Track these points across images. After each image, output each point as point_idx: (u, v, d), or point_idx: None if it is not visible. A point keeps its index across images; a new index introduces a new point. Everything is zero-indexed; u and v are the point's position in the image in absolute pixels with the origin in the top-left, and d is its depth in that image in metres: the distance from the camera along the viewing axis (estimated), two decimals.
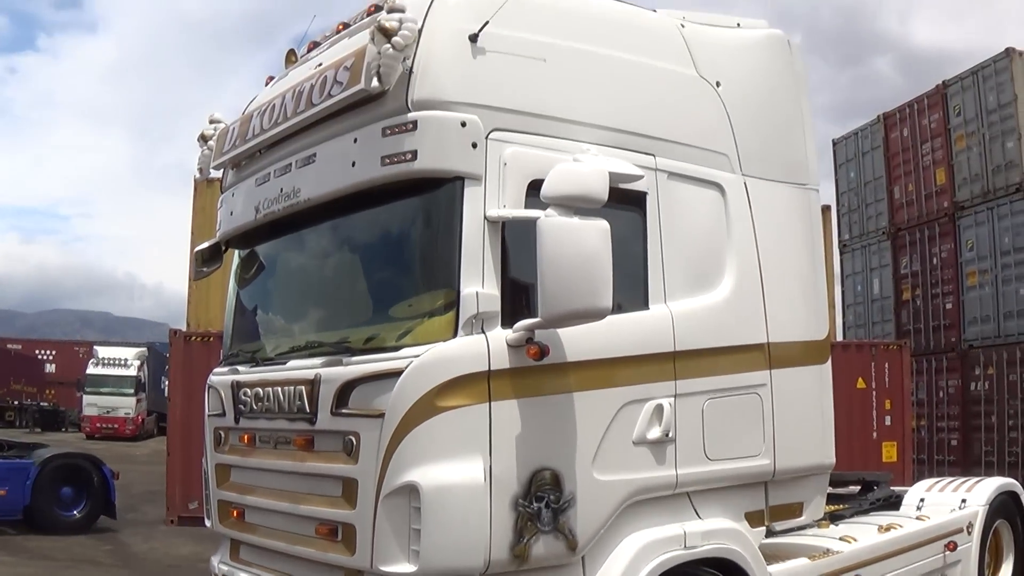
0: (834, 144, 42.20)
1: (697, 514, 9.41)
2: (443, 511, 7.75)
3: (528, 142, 8.49)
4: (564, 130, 8.78)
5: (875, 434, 26.77)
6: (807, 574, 10.19)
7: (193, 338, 24.16)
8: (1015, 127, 32.78)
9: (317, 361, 8.79)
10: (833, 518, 12.61)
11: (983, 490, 13.81)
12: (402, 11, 8.21)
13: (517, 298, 8.24)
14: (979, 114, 34.23)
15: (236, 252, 10.96)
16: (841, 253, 40.89)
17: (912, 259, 37.12)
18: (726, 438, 9.57)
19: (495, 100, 8.44)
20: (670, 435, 9.00)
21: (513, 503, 7.98)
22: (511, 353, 8.06)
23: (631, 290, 9.01)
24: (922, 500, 13.78)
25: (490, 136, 8.29)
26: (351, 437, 8.21)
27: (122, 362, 64.85)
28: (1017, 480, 15.04)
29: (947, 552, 12.45)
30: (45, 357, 79.36)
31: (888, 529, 12.03)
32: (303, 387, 8.75)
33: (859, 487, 14.64)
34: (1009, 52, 33.23)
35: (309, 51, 10.30)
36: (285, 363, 9.31)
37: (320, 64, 9.25)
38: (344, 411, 8.36)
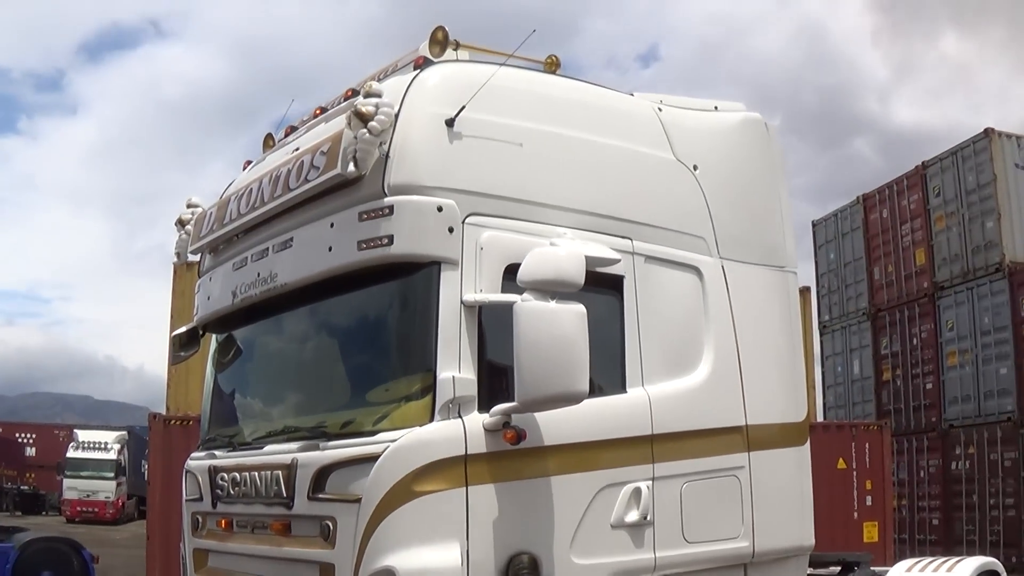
0: (814, 225, 42.47)
1: None
2: None
3: (505, 226, 8.52)
4: (541, 214, 8.82)
5: (856, 514, 26.59)
6: None
7: (172, 422, 23.99)
8: (994, 207, 33.12)
9: (294, 446, 8.75)
10: None
11: (964, 570, 13.77)
12: (378, 96, 8.27)
13: (494, 382, 8.23)
14: (958, 194, 34.58)
15: (214, 336, 10.96)
16: (821, 334, 41.07)
17: (892, 339, 37.31)
18: (705, 520, 9.49)
19: (472, 184, 8.49)
20: (648, 518, 8.94)
21: None
22: (488, 437, 8.04)
23: (609, 373, 9.01)
24: None
25: (467, 220, 8.33)
26: (328, 522, 8.18)
27: (102, 446, 64.48)
28: (999, 559, 15.00)
29: None
30: (25, 440, 78.80)
31: None
32: (280, 472, 8.71)
33: (840, 568, 14.58)
34: (988, 132, 33.62)
35: (287, 135, 10.38)
36: (262, 447, 9.29)
37: (297, 148, 9.32)
38: (321, 496, 8.31)
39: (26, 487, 70.20)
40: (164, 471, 23.09)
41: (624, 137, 9.79)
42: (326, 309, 9.27)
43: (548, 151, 9.12)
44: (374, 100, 8.23)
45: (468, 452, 7.97)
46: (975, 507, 33.03)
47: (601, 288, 8.92)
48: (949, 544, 31.81)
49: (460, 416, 8.04)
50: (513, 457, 8.14)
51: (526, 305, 7.72)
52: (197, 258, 11.12)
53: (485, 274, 8.29)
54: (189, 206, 10.92)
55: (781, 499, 10.34)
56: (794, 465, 10.66)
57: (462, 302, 8.16)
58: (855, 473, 26.82)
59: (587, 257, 8.18)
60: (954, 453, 34.21)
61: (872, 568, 14.51)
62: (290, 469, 8.59)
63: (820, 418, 35.51)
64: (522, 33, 9.20)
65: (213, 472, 9.75)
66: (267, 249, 9.43)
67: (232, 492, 9.42)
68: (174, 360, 11.53)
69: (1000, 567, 14.56)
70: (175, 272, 25.20)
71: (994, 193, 33.26)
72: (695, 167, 10.18)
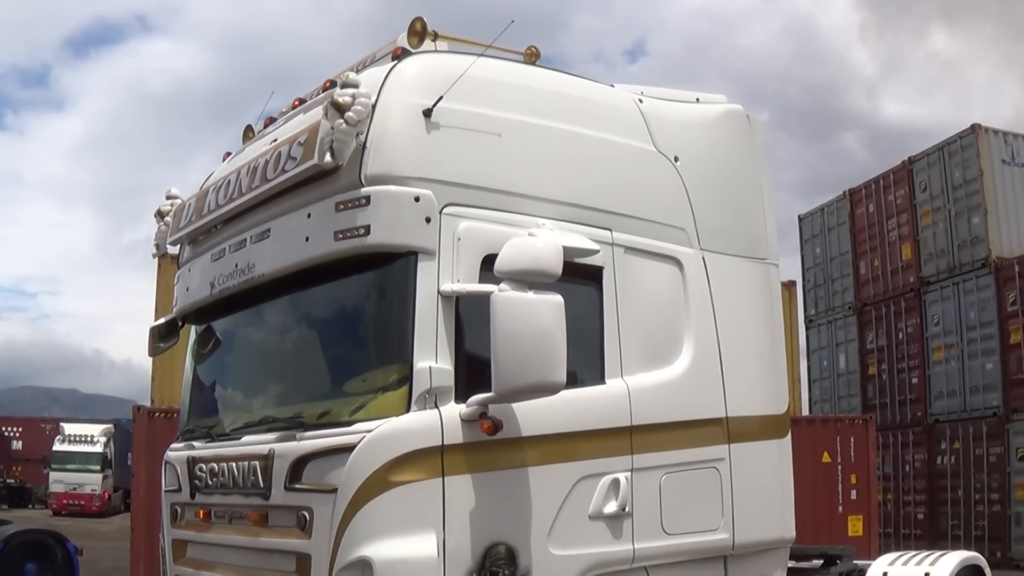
0: (800, 220, 42.55)
1: None
2: None
3: (482, 217, 8.49)
4: (519, 205, 8.79)
5: (841, 508, 26.50)
6: None
7: (157, 414, 23.80)
8: (981, 203, 33.18)
9: (271, 436, 8.71)
10: None
11: (947, 564, 13.72)
12: (355, 86, 8.23)
13: (471, 373, 8.17)
14: (945, 190, 34.64)
15: (193, 328, 10.92)
16: (807, 328, 41.17)
17: (878, 334, 37.38)
18: (684, 512, 9.48)
19: (449, 175, 8.45)
20: (627, 509, 8.92)
21: None
22: (464, 428, 8.02)
23: (587, 364, 9.00)
24: (885, 574, 13.72)
25: (444, 211, 8.29)
26: (304, 512, 8.15)
27: (88, 439, 64.27)
28: (984, 554, 14.97)
29: None
30: (12, 434, 78.50)
31: None
32: (257, 462, 8.68)
33: (822, 561, 14.55)
34: (975, 128, 33.67)
35: (266, 127, 10.35)
36: (240, 438, 9.24)
37: (276, 140, 9.28)
38: (298, 486, 8.29)
39: (12, 480, 69.86)
40: (148, 464, 22.91)
41: (604, 128, 9.75)
42: (303, 300, 9.25)
43: (527, 142, 9.08)
44: (351, 90, 8.19)
45: (445, 442, 7.95)
46: (960, 502, 33.13)
47: (580, 279, 8.91)
48: (934, 538, 31.83)
49: (437, 406, 8.02)
50: (490, 448, 8.12)
51: (503, 295, 7.71)
52: (176, 250, 11.04)
53: (463, 264, 8.26)
54: (168, 197, 10.88)
55: (761, 491, 10.33)
56: (775, 457, 10.64)
57: (439, 292, 8.13)
58: (840, 467, 26.73)
59: (565, 247, 8.17)
60: (939, 448, 34.29)
61: (855, 561, 14.49)
62: (267, 460, 8.56)
63: (805, 412, 35.52)
64: (510, 28, 9.19)
65: (192, 463, 9.73)
66: (245, 240, 9.39)
67: (210, 483, 9.39)
68: (152, 352, 11.39)
69: (983, 562, 14.52)
70: (159, 265, 25.04)
71: (980, 189, 33.34)
72: (676, 158, 10.16)
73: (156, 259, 11.07)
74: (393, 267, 8.23)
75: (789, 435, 10.94)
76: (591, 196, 9.36)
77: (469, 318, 8.21)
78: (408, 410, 7.97)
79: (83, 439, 64.31)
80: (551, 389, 7.77)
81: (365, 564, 7.71)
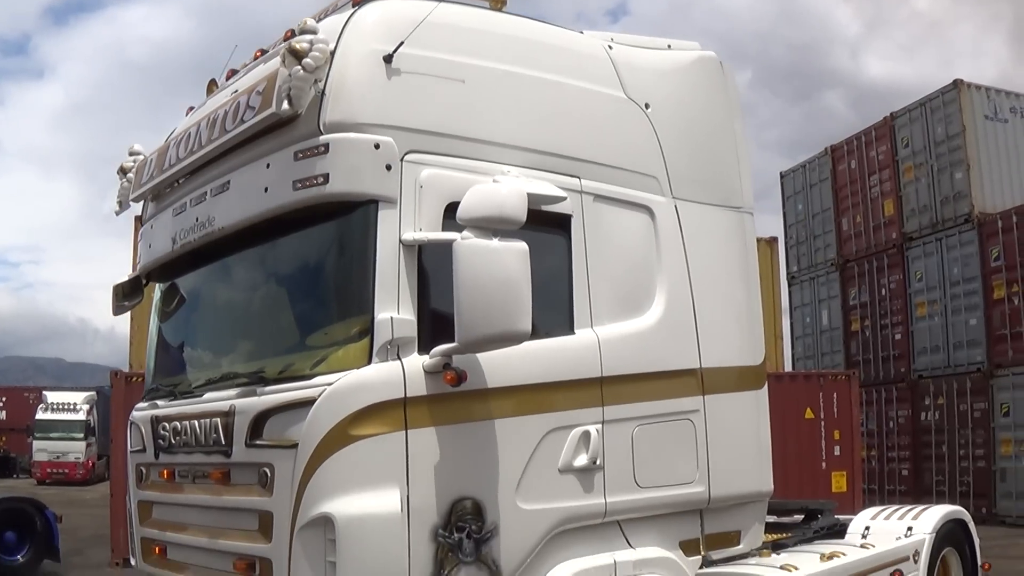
0: (782, 177, 42.49)
1: (629, 543, 9.17)
2: (359, 543, 7.50)
3: (446, 164, 8.28)
4: (483, 152, 8.58)
5: (824, 464, 26.52)
6: None
7: (134, 379, 23.64)
8: (963, 158, 33.14)
9: (232, 392, 8.55)
10: (775, 547, 12.35)
11: (930, 518, 13.54)
12: (313, 32, 7.98)
13: (435, 323, 7.97)
14: (927, 145, 34.58)
15: (157, 286, 10.73)
16: (789, 285, 41.23)
17: (861, 290, 37.38)
18: (658, 465, 9.33)
19: (411, 122, 8.23)
20: (598, 462, 8.77)
21: (433, 534, 7.75)
22: (428, 380, 7.83)
23: (556, 315, 8.83)
24: (867, 528, 13.53)
25: (405, 158, 8.07)
26: (266, 469, 7.97)
27: (71, 407, 64.09)
28: (969, 510, 14.84)
29: None
30: None
31: (831, 557, 11.74)
32: (218, 419, 8.51)
33: (802, 516, 14.42)
34: (957, 84, 33.62)
35: (228, 79, 10.09)
36: (202, 396, 9.08)
37: (236, 91, 9.04)
38: (258, 442, 8.11)
39: None
40: (127, 429, 22.83)
41: (572, 75, 9.52)
42: (264, 253, 9.05)
43: (492, 88, 8.86)
44: (308, 37, 7.95)
45: (407, 395, 7.75)
46: (944, 458, 33.17)
47: (548, 227, 8.75)
48: (918, 494, 31.88)
49: (399, 358, 7.81)
50: (455, 400, 7.94)
51: (466, 243, 7.49)
52: (140, 207, 10.83)
53: (425, 213, 8.06)
54: (131, 154, 10.65)
55: (738, 444, 10.22)
56: (751, 409, 10.53)
57: (401, 241, 7.92)
58: (823, 423, 26.76)
59: (530, 194, 7.95)
60: (923, 404, 34.30)
61: (836, 516, 14.33)
62: (228, 416, 8.40)
63: (788, 368, 35.51)
64: None
65: (155, 422, 9.57)
66: (205, 193, 9.20)
67: (173, 442, 9.23)
68: (117, 311, 11.17)
69: (967, 516, 14.35)
70: (135, 227, 24.83)
71: (963, 144, 33.25)
72: (647, 105, 9.95)
73: (118, 216, 10.81)
74: (353, 216, 8.02)
75: (766, 387, 10.79)
76: (558, 143, 9.15)
77: (432, 268, 8.01)
78: (369, 362, 7.76)
79: (66, 407, 64.14)
80: (516, 338, 7.58)
81: (327, 521, 7.52)
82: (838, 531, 13.63)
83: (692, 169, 10.22)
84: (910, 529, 13.27)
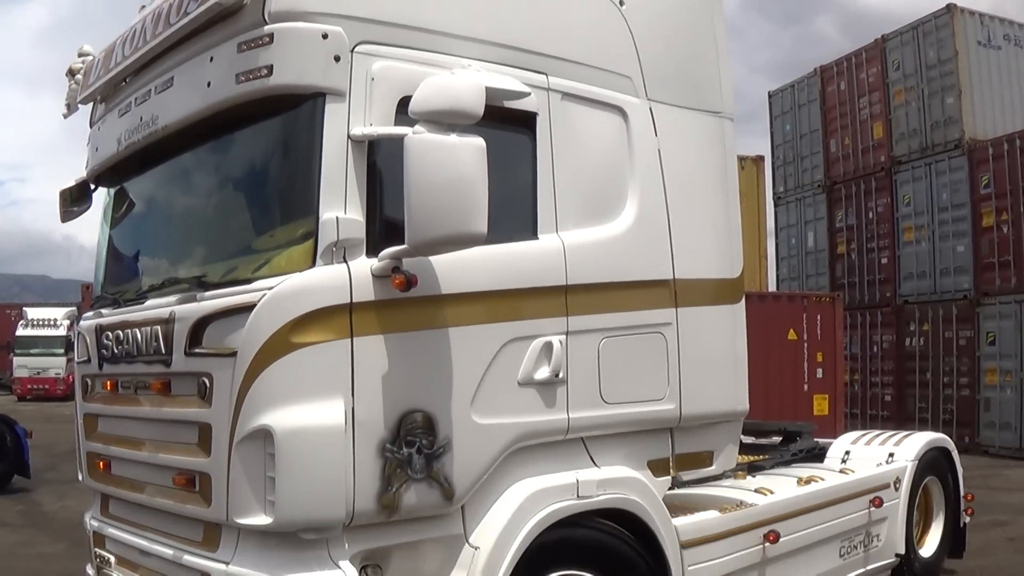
0: (770, 96, 42.05)
1: (593, 462, 8.79)
2: (299, 457, 7.08)
3: (400, 56, 7.73)
4: (442, 44, 8.03)
5: (806, 387, 26.24)
6: (716, 528, 9.59)
7: None
8: (955, 84, 32.79)
9: (174, 299, 8.14)
10: (752, 469, 12.10)
11: (912, 445, 13.24)
12: None
13: (386, 225, 7.51)
14: (918, 69, 34.17)
15: (106, 191, 10.26)
16: (776, 205, 40.90)
17: (848, 213, 37.00)
18: (626, 380, 8.93)
19: (362, 10, 7.68)
20: (560, 375, 8.35)
21: (379, 448, 7.30)
22: (377, 284, 7.36)
23: (518, 219, 8.38)
24: (847, 453, 13.28)
25: (356, 49, 7.54)
26: (204, 379, 7.56)
27: (51, 322, 64.43)
28: (952, 438, 14.55)
29: (872, 508, 11.88)
30: None
31: (808, 482, 11.46)
32: (159, 327, 8.12)
33: (781, 438, 14.08)
34: (950, 8, 33.18)
35: None
36: (144, 303, 8.67)
37: None
38: (197, 351, 7.70)
39: None
40: None
41: None
42: (208, 152, 8.60)
43: None
44: None
45: (353, 300, 7.27)
46: (928, 385, 32.90)
47: (512, 126, 8.31)
48: (901, 421, 31.59)
49: (345, 261, 7.34)
50: (406, 306, 7.48)
51: (417, 137, 6.97)
52: (89, 109, 10.32)
53: (376, 107, 7.53)
54: (80, 55, 10.17)
55: (712, 360, 9.85)
56: (727, 324, 10.12)
57: (349, 137, 7.42)
58: (806, 345, 26.47)
59: (490, 88, 7.42)
60: (908, 329, 33.97)
61: (816, 439, 14.01)
62: (168, 323, 7.99)
63: (773, 289, 35.33)
64: None
65: (99, 331, 9.19)
66: (150, 91, 8.71)
67: (116, 352, 8.84)
68: (64, 217, 10.69)
69: (950, 444, 14.10)
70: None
71: (955, 69, 32.76)
72: (621, 2, 9.42)
73: (66, 119, 10.37)
74: (299, 111, 7.51)
75: (743, 301, 10.37)
76: (524, 37, 8.61)
77: (384, 166, 7.53)
78: (313, 265, 7.29)
79: (46, 323, 64.57)
80: (470, 240, 7.06)
81: (266, 434, 7.09)
82: (817, 455, 13.42)
83: (669, 70, 9.74)
84: (891, 455, 13.05)
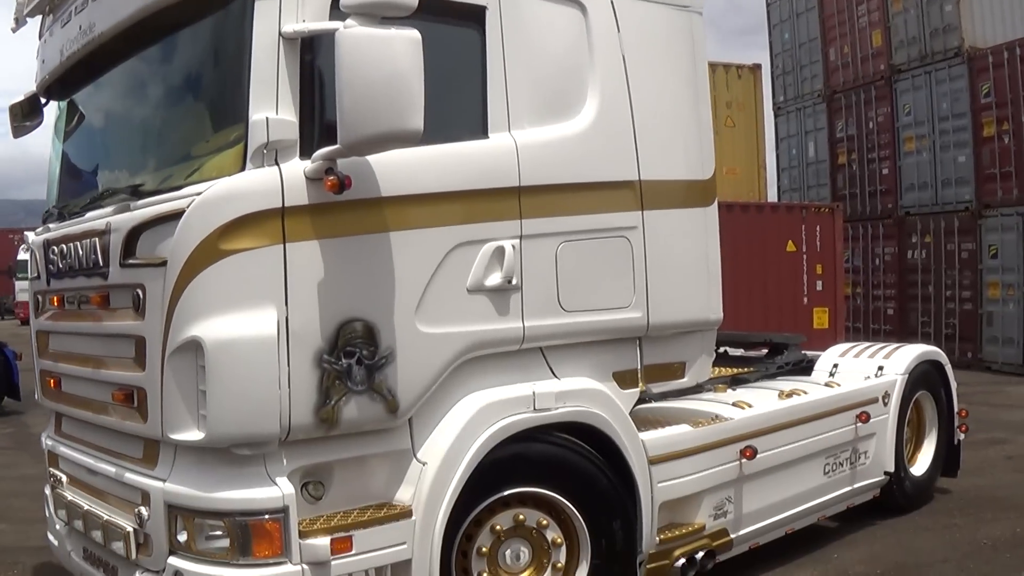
0: (768, 5, 41.40)
1: (554, 373, 8.48)
2: (230, 369, 6.81)
3: None
4: None
5: (806, 299, 25.79)
6: (687, 443, 9.34)
7: None
8: None
9: (110, 209, 7.88)
10: (735, 382, 11.86)
11: (903, 358, 12.92)
12: None
13: (322, 126, 7.15)
14: None
15: (56, 104, 9.96)
16: (776, 116, 40.33)
17: (848, 123, 36.47)
18: (587, 287, 8.56)
19: None
20: (514, 282, 7.99)
21: (316, 360, 7.02)
22: (310, 187, 7.01)
23: (465, 117, 8.02)
24: (835, 366, 13.00)
25: None
26: (138, 290, 7.31)
27: None
28: (954, 353, 14.19)
29: (859, 424, 11.61)
30: None
31: (790, 395, 11.15)
32: (96, 239, 7.87)
33: (767, 350, 13.75)
34: None
35: None
36: (85, 215, 8.43)
37: None
38: (131, 261, 7.45)
39: None
40: None
41: None
42: (144, 59, 8.30)
43: None
44: None
45: (286, 204, 6.93)
46: (931, 298, 32.51)
47: (458, 20, 7.95)
48: (904, 335, 31.25)
49: (277, 164, 6.99)
50: (343, 210, 7.13)
51: (349, 32, 6.56)
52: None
53: (309, 3, 7.17)
54: None
55: (683, 266, 9.41)
56: (698, 228, 9.62)
57: (281, 35, 7.04)
58: (805, 256, 25.99)
59: None
60: (910, 241, 33.55)
61: (804, 351, 13.68)
62: (105, 234, 7.74)
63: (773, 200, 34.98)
64: None
65: (46, 247, 8.98)
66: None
67: (60, 267, 8.64)
68: (16, 132, 10.41)
69: (943, 358, 13.73)
70: None
71: None
72: None
73: (15, 33, 10.09)
74: (228, 10, 7.21)
75: (715, 204, 9.85)
76: None
77: (323, 64, 7.14)
78: (243, 169, 6.96)
79: None
80: (404, 138, 6.67)
81: (196, 346, 6.84)
82: (805, 368, 13.18)
83: None
84: (880, 369, 12.76)
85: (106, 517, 7.98)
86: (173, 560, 7.21)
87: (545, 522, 8.31)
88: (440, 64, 7.06)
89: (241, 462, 7.03)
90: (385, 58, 6.51)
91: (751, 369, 12.82)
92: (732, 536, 9.87)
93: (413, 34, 6.61)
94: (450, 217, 7.71)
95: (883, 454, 12.21)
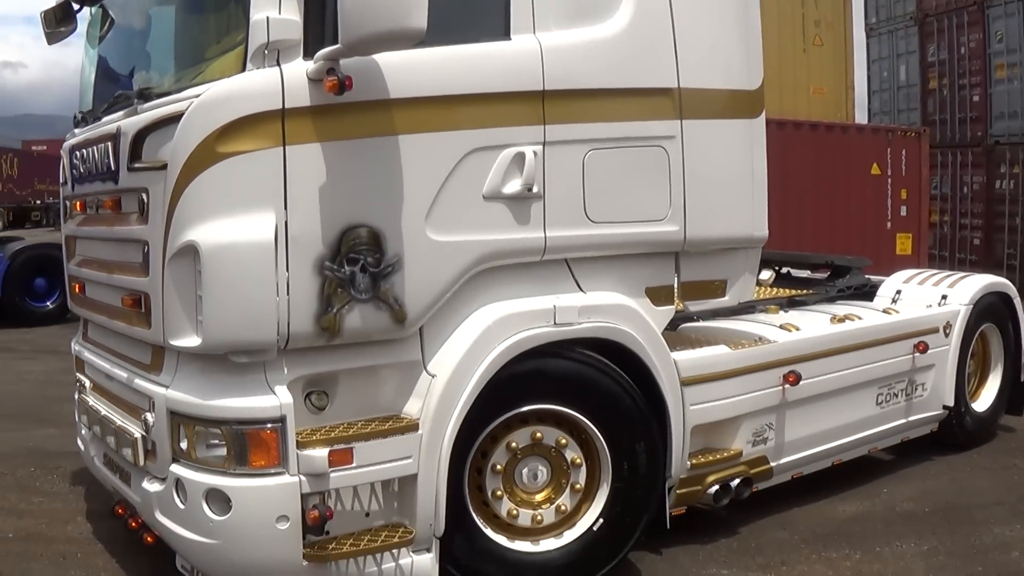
0: None
1: (580, 287, 8.19)
2: (226, 275, 6.67)
3: None
4: None
5: (889, 224, 25.16)
6: (725, 364, 9.07)
7: None
8: None
9: (122, 113, 7.78)
10: (791, 304, 11.47)
11: (968, 288, 12.46)
12: None
13: (329, 26, 6.87)
14: None
15: (88, 10, 9.74)
16: (868, 37, 39.38)
17: (940, 47, 35.53)
18: (618, 198, 8.20)
19: None
20: (534, 190, 7.68)
21: (317, 266, 6.83)
22: (312, 88, 6.78)
23: (487, 17, 7.68)
24: (898, 292, 12.57)
25: None
26: (143, 194, 7.18)
27: None
28: None
29: (916, 354, 11.20)
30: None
31: (843, 320, 10.75)
32: (108, 143, 7.78)
33: (828, 273, 13.35)
34: None
35: None
36: (102, 119, 8.33)
37: None
38: (137, 165, 7.33)
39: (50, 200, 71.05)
40: None
41: None
42: None
43: None
44: None
45: (286, 105, 6.72)
46: (1018, 230, 31.70)
47: None
48: (989, 265, 30.41)
49: (279, 64, 6.78)
50: (348, 112, 6.89)
51: None
52: None
53: None
54: None
55: (724, 180, 8.96)
56: (743, 140, 9.12)
57: None
58: (890, 180, 25.28)
59: None
60: (999, 171, 32.73)
61: (869, 276, 13.24)
62: (116, 139, 7.63)
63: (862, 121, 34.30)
64: None
65: (71, 152, 8.93)
66: None
67: (82, 171, 8.57)
68: (50, 39, 10.25)
69: (1012, 290, 13.26)
70: None
71: None
72: None
73: None
74: None
75: (763, 116, 9.33)
76: None
77: None
78: (244, 70, 6.78)
79: None
80: (406, 36, 6.37)
81: (192, 250, 6.70)
82: (867, 293, 12.70)
83: None
84: (944, 298, 12.29)
85: (118, 423, 7.97)
86: (175, 467, 7.16)
87: (564, 441, 8.09)
88: None
89: (241, 370, 6.91)
90: None
91: (810, 292, 12.46)
92: (772, 464, 9.62)
93: None
94: (465, 121, 7.42)
95: (943, 387, 11.80)
